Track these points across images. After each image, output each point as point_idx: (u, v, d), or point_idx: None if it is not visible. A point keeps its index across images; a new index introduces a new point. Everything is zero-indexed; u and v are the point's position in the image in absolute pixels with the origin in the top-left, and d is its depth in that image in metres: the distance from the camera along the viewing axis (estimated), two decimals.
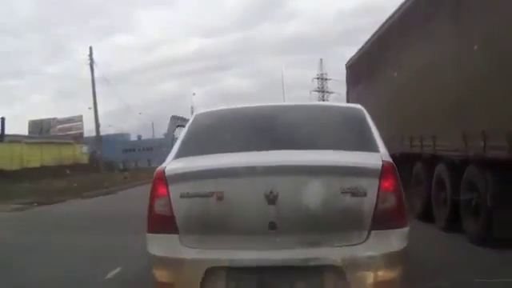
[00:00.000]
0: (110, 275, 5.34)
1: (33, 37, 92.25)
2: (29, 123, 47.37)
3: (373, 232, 2.67)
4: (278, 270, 2.69)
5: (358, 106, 3.86)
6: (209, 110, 4.11)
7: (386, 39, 10.48)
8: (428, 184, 7.82)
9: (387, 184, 2.71)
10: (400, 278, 2.69)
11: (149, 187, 3.06)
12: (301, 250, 2.68)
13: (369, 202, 2.67)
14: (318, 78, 69.49)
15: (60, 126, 47.00)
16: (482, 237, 5.94)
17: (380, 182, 2.69)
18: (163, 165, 3.05)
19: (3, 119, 32.78)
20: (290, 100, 5.44)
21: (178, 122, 37.38)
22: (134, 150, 49.83)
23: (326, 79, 69.78)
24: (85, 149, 40.54)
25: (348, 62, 15.34)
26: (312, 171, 2.78)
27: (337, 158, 2.93)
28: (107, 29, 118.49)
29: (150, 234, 2.93)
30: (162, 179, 2.86)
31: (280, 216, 2.69)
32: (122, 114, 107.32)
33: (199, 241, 2.80)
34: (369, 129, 3.36)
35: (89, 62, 28.61)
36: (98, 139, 30.94)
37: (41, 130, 45.63)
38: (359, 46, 13.01)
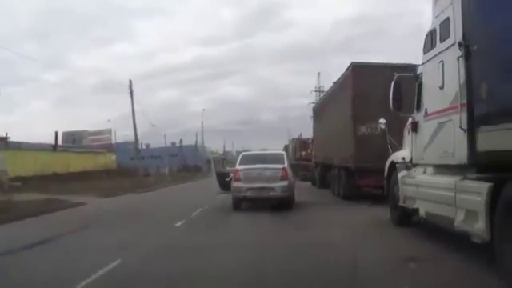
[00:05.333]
0: (201, 209, 14.23)
1: (32, 46, 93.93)
2: (62, 134, 54.37)
3: (280, 181, 12.52)
4: (262, 188, 12.45)
5: (283, 152, 14.61)
6: (246, 152, 14.67)
7: (323, 100, 20.23)
8: (335, 178, 17.04)
9: (282, 172, 12.60)
10: (286, 192, 12.57)
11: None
12: (266, 184, 12.47)
13: (279, 174, 12.56)
14: (315, 91, 70.62)
15: (91, 137, 54.84)
16: (344, 196, 15.33)
17: (281, 170, 12.58)
18: (236, 167, 13.09)
19: (56, 133, 40.67)
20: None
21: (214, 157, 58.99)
22: (143, 158, 56.14)
23: (324, 91, 70.77)
24: (114, 157, 48.60)
25: (314, 105, 24.85)
26: (268, 168, 12.72)
27: (274, 166, 12.84)
28: (106, 38, 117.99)
29: (234, 182, 12.76)
30: (238, 169, 12.80)
31: (262, 177, 12.58)
32: (125, 121, 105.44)
33: (246, 182, 12.56)
34: (283, 158, 13.50)
35: (129, 91, 34.06)
36: (138, 152, 38.94)
37: (74, 141, 53.27)
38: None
